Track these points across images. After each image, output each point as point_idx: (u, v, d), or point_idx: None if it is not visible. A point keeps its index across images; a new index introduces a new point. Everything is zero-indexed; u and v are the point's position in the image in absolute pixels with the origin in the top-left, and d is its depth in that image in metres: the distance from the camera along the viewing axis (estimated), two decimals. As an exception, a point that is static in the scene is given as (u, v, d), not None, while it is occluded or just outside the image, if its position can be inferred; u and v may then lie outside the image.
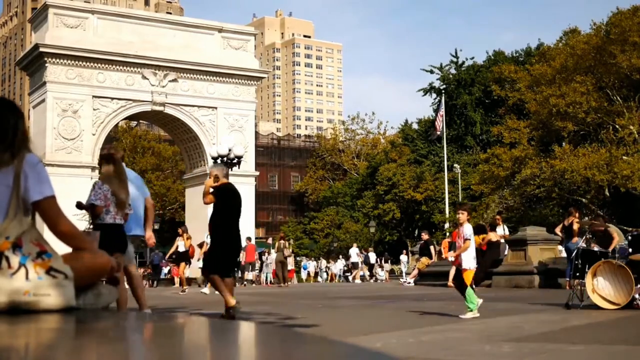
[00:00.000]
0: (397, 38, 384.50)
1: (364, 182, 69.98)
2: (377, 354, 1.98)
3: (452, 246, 22.70)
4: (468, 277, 9.73)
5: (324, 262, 51.53)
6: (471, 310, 9.72)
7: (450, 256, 10.65)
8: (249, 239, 38.15)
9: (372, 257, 46.04)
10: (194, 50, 47.76)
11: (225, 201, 10.11)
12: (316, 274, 50.48)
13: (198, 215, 50.19)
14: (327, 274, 50.23)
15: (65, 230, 3.50)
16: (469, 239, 9.70)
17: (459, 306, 13.49)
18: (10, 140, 3.43)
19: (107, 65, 45.17)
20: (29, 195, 3.41)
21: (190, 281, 44.24)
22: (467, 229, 9.82)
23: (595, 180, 42.47)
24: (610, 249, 12.07)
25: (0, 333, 2.62)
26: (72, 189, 23.15)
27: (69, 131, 43.63)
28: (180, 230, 23.91)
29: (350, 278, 41.36)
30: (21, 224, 3.33)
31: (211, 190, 10.10)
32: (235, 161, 30.99)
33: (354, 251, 40.29)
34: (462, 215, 9.83)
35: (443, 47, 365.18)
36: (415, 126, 70.16)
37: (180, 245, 23.52)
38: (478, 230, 24.01)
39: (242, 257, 35.21)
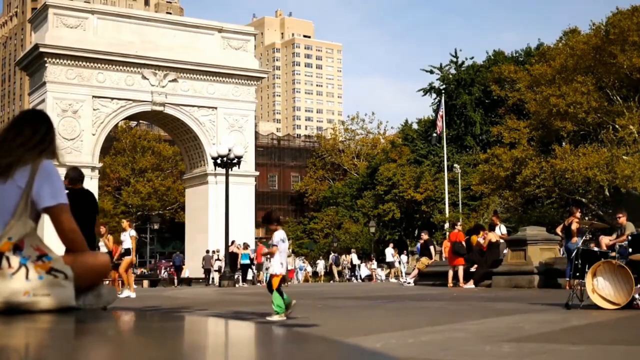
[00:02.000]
0: (397, 38, 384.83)
1: (364, 182, 69.92)
2: (377, 354, 1.98)
3: (454, 246, 22.82)
4: (275, 282, 10.23)
5: (297, 261, 46.14)
6: (277, 313, 10.09)
7: (263, 252, 11.48)
8: (259, 240, 38.24)
9: (355, 257, 46.12)
10: (194, 50, 47.76)
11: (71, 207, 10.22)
12: (340, 272, 47.05)
13: (198, 215, 50.25)
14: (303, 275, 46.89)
15: (73, 239, 3.54)
16: (276, 245, 10.36)
17: (459, 306, 13.51)
18: (35, 144, 3.53)
19: (107, 65, 45.17)
20: (40, 200, 3.43)
21: (190, 281, 44.43)
22: (276, 236, 10.47)
23: (595, 180, 42.47)
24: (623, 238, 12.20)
25: (-1, 333, 2.62)
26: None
27: (69, 131, 43.62)
28: (103, 230, 19.37)
29: (383, 276, 41.75)
30: (25, 226, 3.34)
31: None
32: (235, 161, 30.96)
33: (389, 251, 40.59)
34: (272, 226, 10.59)
35: (443, 47, 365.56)
36: (415, 126, 70.11)
37: (102, 246, 19.49)
38: (476, 230, 24.10)
39: (254, 258, 35.23)
